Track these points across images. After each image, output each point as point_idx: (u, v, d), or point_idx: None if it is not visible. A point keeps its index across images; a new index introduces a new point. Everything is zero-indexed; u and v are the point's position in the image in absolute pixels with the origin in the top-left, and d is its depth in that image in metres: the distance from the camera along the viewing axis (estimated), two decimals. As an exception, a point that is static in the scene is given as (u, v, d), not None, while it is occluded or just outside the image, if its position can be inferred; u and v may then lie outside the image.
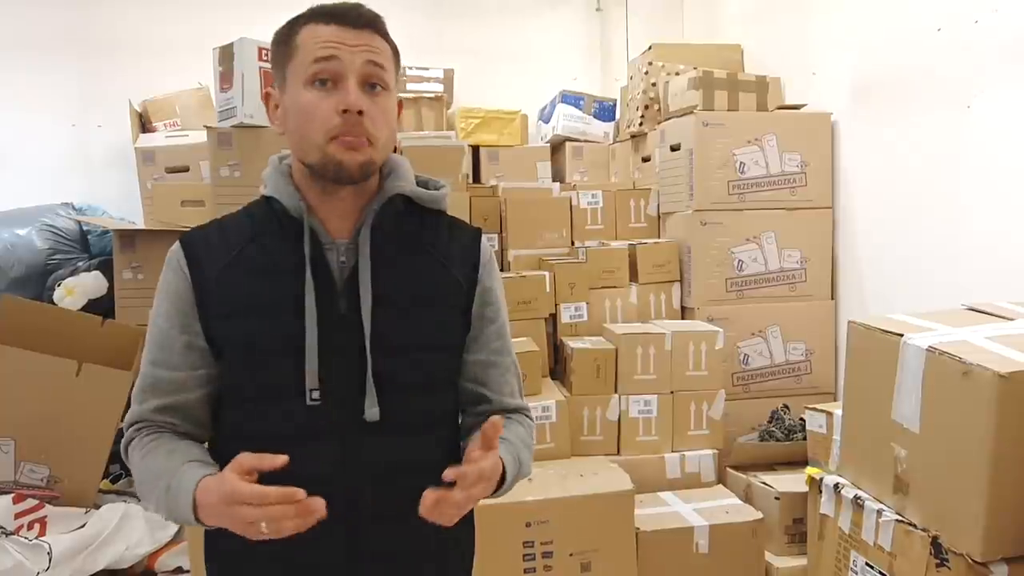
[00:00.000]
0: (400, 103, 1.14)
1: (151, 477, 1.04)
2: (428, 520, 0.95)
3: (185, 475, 1.00)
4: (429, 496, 0.94)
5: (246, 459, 0.94)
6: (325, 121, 1.01)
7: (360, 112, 1.01)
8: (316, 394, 1.04)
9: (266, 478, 1.00)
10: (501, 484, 1.06)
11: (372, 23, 1.06)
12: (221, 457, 1.04)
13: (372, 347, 1.06)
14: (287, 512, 0.90)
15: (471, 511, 1.23)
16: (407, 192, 1.12)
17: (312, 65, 1.02)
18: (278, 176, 1.10)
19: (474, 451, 0.98)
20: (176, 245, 1.11)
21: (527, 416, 1.24)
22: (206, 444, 1.14)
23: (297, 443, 1.02)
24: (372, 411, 1.05)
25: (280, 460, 0.94)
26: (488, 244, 1.21)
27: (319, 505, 0.91)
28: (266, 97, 1.11)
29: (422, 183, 1.17)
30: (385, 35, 1.08)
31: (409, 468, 1.06)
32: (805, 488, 2.11)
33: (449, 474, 0.94)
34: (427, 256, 1.13)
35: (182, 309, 1.07)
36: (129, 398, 1.13)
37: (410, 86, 3.82)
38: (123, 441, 1.11)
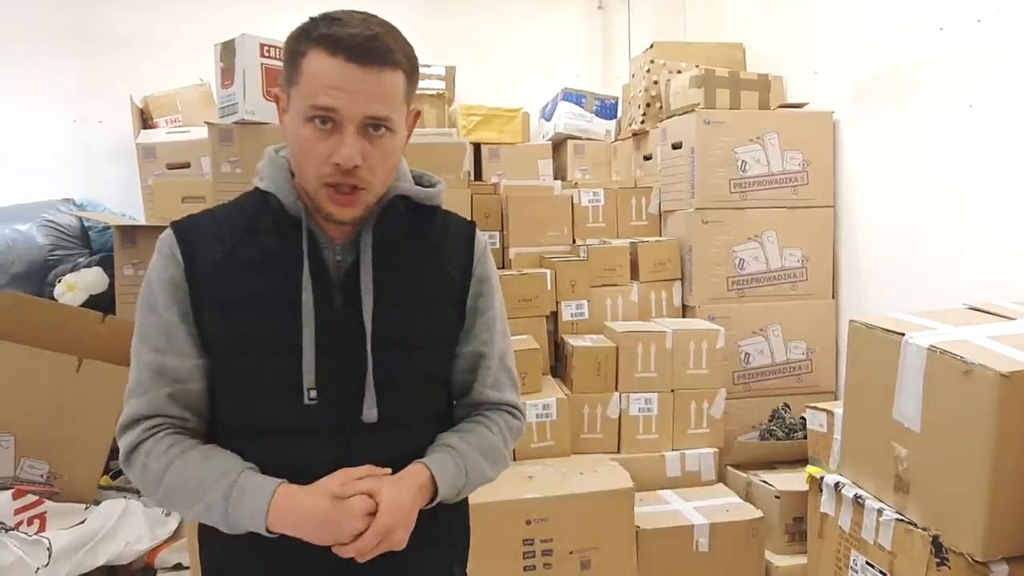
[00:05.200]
0: (418, 113, 1.13)
1: (193, 483, 1.01)
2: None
3: (251, 480, 1.00)
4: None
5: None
6: (319, 165, 1.00)
7: (355, 165, 0.99)
8: (313, 393, 1.03)
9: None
10: (435, 495, 1.07)
11: (382, 58, 0.98)
12: None
13: (372, 347, 1.05)
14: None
15: (465, 503, 1.24)
16: (405, 191, 1.11)
17: (311, 109, 0.99)
18: (276, 171, 1.08)
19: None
20: (168, 232, 1.08)
21: (510, 412, 1.21)
22: None
23: (294, 438, 1.02)
24: (370, 412, 1.05)
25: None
26: (483, 236, 1.21)
27: None
28: (276, 98, 1.08)
29: (417, 178, 1.16)
30: (397, 64, 1.00)
31: (403, 462, 1.07)
32: (805, 487, 2.11)
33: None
34: (423, 252, 1.13)
35: (179, 298, 1.06)
36: None
37: (411, 83, 3.81)
38: (127, 442, 1.05)
